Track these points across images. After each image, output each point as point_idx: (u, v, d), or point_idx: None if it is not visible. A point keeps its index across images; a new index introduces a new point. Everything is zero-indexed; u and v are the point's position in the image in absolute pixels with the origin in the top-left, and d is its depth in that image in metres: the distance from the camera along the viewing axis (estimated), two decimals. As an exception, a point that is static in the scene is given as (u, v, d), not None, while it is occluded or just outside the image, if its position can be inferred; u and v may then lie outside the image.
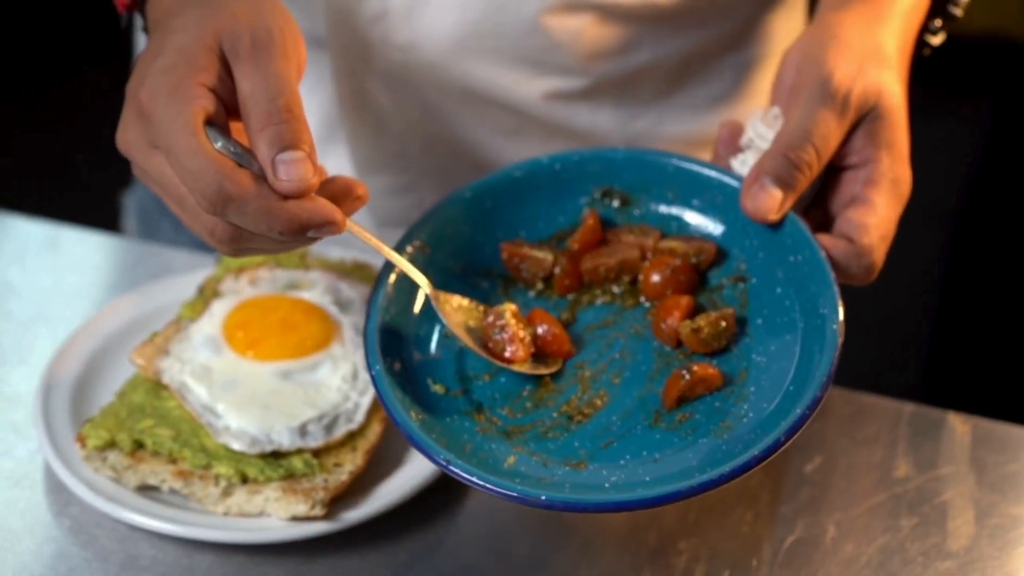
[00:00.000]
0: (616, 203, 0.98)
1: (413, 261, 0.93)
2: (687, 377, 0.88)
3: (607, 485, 0.84)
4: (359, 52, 1.13)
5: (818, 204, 0.95)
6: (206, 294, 1.08)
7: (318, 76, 1.17)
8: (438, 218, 0.96)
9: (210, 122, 0.82)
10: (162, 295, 1.12)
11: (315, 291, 1.08)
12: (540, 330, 0.92)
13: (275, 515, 0.95)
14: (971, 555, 0.96)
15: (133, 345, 1.05)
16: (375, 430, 0.99)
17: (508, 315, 0.91)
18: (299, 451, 0.97)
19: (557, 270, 0.96)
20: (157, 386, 1.01)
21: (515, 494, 0.82)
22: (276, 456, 0.96)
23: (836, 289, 0.88)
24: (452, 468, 0.83)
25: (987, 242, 2.25)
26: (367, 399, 1.00)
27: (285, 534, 0.94)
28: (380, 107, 1.16)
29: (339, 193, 0.87)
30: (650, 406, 0.89)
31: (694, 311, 0.92)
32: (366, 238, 0.87)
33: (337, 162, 1.21)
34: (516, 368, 0.90)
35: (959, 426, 1.06)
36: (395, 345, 0.90)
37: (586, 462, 0.86)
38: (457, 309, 0.92)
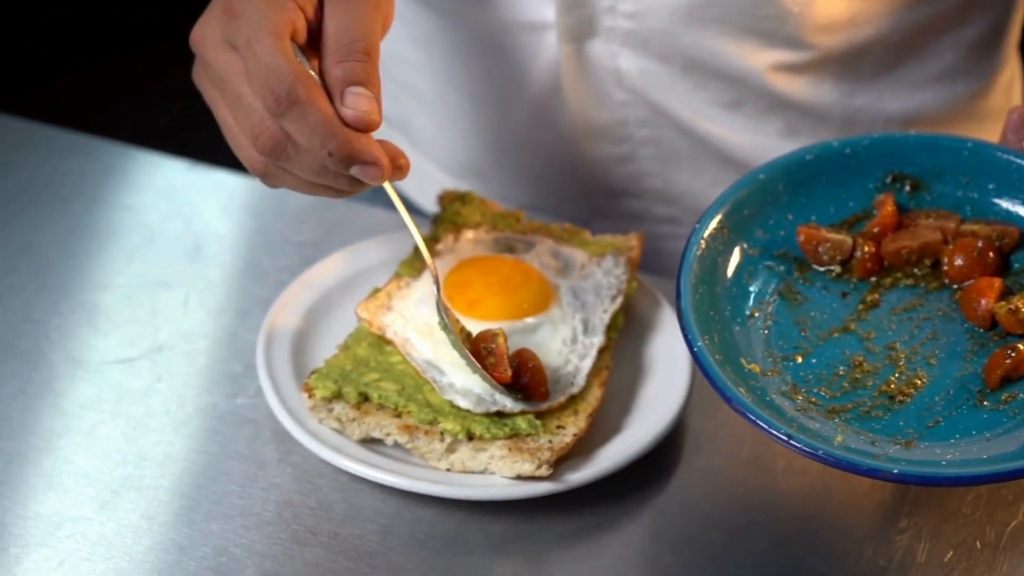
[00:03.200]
0: (907, 188, 0.98)
1: (714, 241, 0.94)
2: (1012, 355, 0.88)
3: (943, 463, 0.84)
4: (586, 19, 1.14)
5: None
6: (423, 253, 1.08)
7: (537, 43, 1.17)
8: (734, 199, 0.96)
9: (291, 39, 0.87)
10: (374, 252, 1.13)
11: (532, 254, 1.08)
12: (526, 367, 0.98)
13: (499, 473, 0.96)
14: None
15: (348, 300, 1.07)
16: (596, 394, 1.00)
17: (500, 338, 0.97)
18: (522, 412, 0.98)
19: (857, 253, 0.96)
20: (380, 340, 1.02)
21: (866, 468, 0.82)
22: (500, 416, 0.97)
23: None
24: (794, 443, 0.83)
25: None
26: (587, 363, 1.01)
27: (509, 492, 0.95)
28: (603, 74, 1.16)
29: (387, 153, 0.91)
30: (971, 386, 0.89)
31: (1004, 293, 0.92)
32: (397, 203, 0.96)
33: (557, 129, 1.21)
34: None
35: None
36: (707, 324, 0.91)
37: (915, 440, 0.86)
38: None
